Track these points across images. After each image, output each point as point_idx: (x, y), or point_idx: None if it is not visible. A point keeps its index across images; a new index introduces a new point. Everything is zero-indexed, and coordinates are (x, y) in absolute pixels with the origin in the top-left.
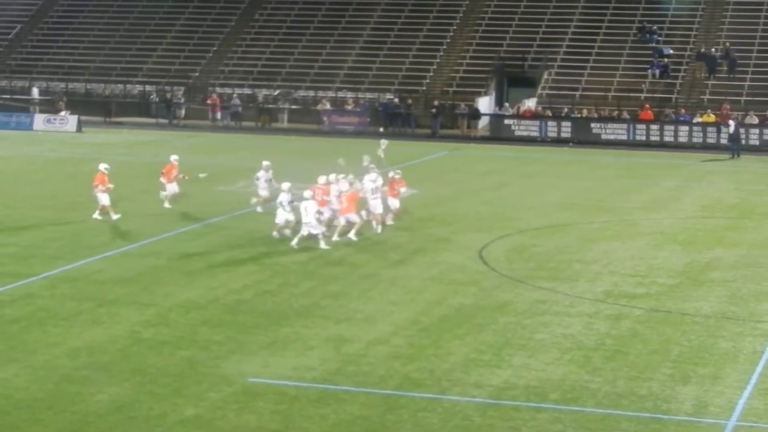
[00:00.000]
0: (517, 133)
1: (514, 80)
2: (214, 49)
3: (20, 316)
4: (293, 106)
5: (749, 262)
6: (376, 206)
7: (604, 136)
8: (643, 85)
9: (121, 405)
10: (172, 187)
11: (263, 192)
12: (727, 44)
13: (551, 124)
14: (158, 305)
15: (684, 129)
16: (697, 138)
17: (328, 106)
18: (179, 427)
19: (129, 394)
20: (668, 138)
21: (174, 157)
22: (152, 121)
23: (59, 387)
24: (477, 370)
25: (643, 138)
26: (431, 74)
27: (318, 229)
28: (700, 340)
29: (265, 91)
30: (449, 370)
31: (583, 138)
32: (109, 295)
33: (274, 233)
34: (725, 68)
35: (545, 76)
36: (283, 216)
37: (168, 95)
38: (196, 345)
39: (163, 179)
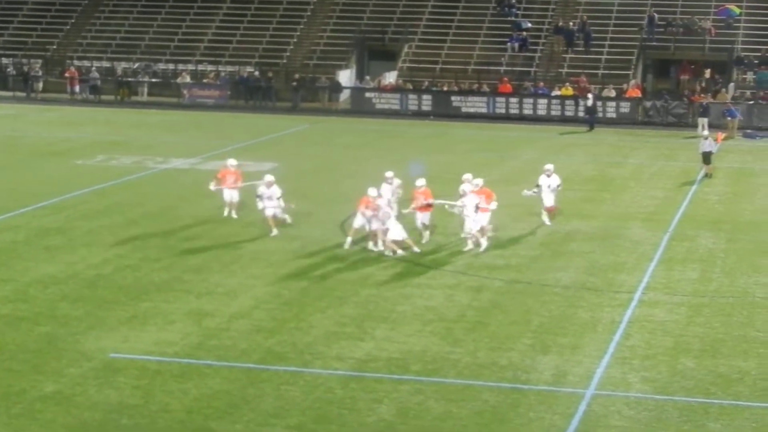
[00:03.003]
0: (378, 106)
1: (374, 54)
2: (72, 21)
3: None
4: (153, 79)
5: (606, 234)
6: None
7: (464, 109)
8: (503, 59)
9: None
10: (230, 194)
11: (270, 211)
12: (585, 18)
13: (412, 98)
14: (16, 281)
15: (543, 102)
16: (556, 111)
17: (188, 79)
18: (39, 403)
19: None
20: (527, 111)
21: (231, 162)
22: (9, 94)
23: None
24: (339, 342)
25: (503, 111)
26: (291, 47)
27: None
28: (559, 310)
29: (124, 64)
30: (311, 343)
31: (444, 111)
32: None
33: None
34: (582, 42)
35: (405, 50)
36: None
37: (25, 68)
38: (55, 321)
39: (216, 185)
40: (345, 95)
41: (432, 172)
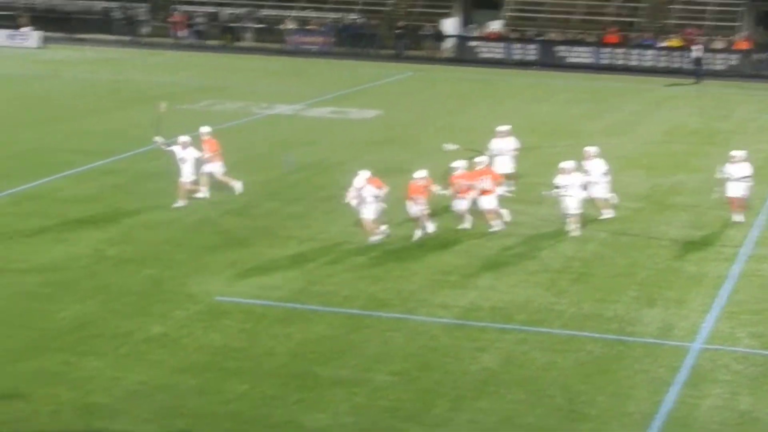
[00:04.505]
0: (482, 55)
1: (479, 2)
2: None
3: None
4: (257, 25)
5: (712, 188)
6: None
7: (569, 60)
8: (609, 9)
9: (85, 322)
10: (213, 167)
11: (186, 178)
12: None
13: (516, 47)
14: (121, 223)
15: (649, 53)
16: (662, 62)
17: (292, 26)
18: (145, 345)
19: (94, 312)
20: (633, 62)
21: (204, 129)
22: (114, 38)
23: (23, 304)
24: (443, 291)
25: (608, 62)
26: None
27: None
28: (665, 263)
29: (229, 10)
30: (415, 291)
31: (548, 61)
32: (73, 213)
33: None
34: None
35: None
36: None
37: (130, 13)
38: (160, 263)
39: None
40: (449, 43)
41: (534, 122)
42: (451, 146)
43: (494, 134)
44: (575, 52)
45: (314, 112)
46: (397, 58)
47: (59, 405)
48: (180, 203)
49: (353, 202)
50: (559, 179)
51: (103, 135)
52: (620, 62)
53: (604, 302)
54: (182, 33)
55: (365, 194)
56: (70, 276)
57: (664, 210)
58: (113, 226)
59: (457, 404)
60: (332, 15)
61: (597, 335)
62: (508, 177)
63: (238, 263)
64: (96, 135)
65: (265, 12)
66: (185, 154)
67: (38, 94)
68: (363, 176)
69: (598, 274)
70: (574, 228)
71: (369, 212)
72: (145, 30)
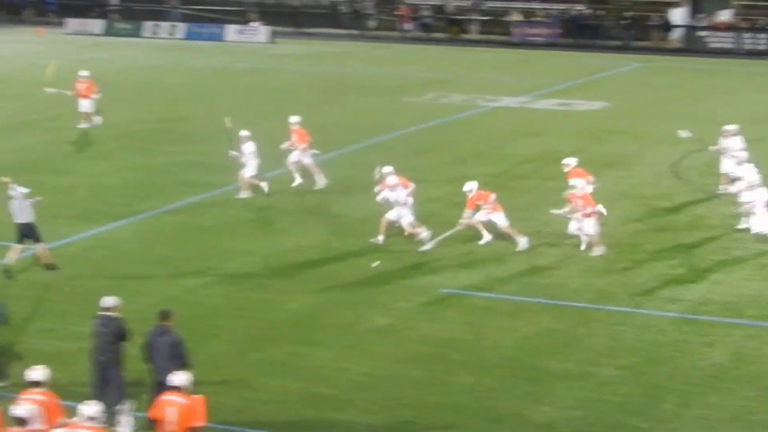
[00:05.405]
0: (711, 45)
1: None
2: None
3: (213, 225)
4: (483, 17)
5: None
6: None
7: None
8: None
9: (311, 313)
10: (296, 156)
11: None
12: None
13: (747, 36)
14: (347, 216)
15: None
16: None
17: (517, 17)
18: (370, 335)
19: (320, 303)
20: None
21: (294, 119)
22: (342, 32)
23: (252, 295)
24: (671, 284)
25: None
26: None
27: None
28: None
29: (454, 2)
30: (643, 285)
31: None
32: (299, 205)
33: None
34: None
35: None
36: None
37: (357, 6)
38: (386, 255)
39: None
40: (677, 34)
41: (765, 112)
42: (686, 133)
43: (721, 132)
44: None
45: (540, 103)
46: (624, 48)
47: (287, 395)
48: (243, 194)
49: (379, 200)
50: (744, 195)
51: (330, 128)
52: None
53: None
54: (408, 26)
55: (392, 194)
56: (298, 268)
57: None
58: (339, 219)
59: (686, 400)
60: (558, 6)
61: None
62: (725, 177)
63: (465, 255)
64: (324, 127)
65: (490, 4)
66: (244, 149)
67: (268, 87)
68: (390, 172)
69: None
70: None
71: (406, 215)
72: (371, 23)
